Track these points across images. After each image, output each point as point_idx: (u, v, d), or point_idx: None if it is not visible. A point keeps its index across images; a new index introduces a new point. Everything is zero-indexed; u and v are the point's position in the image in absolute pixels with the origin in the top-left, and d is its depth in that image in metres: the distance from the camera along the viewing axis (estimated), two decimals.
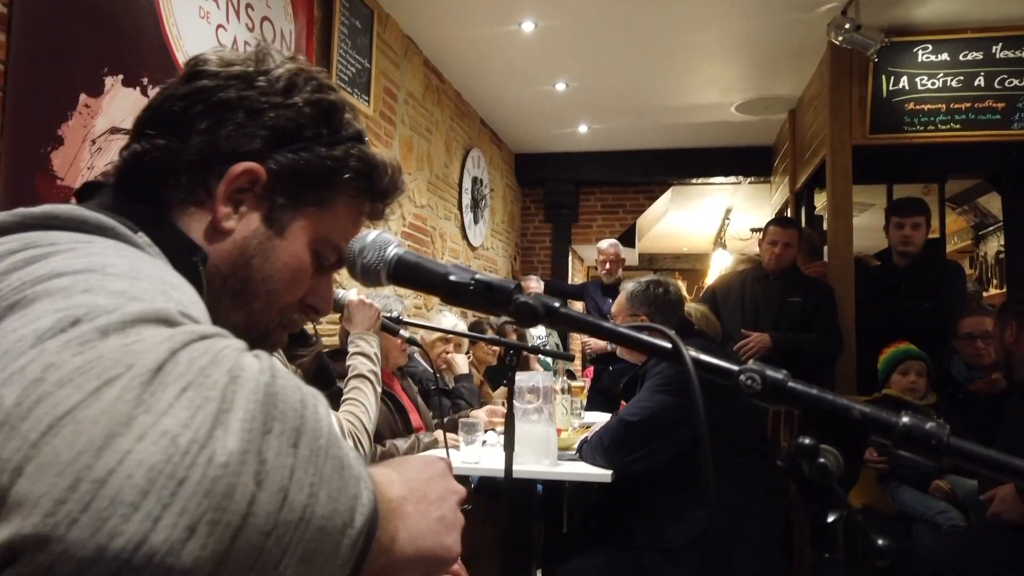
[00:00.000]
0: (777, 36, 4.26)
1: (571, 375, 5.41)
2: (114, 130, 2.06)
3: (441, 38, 4.46)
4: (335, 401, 2.01)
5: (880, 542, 0.52)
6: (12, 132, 1.80)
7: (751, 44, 4.43)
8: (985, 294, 6.84)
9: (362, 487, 0.48)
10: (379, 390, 1.98)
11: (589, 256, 8.09)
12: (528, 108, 5.66)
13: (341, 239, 0.78)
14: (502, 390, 4.04)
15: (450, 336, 3.46)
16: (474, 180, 5.68)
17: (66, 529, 0.36)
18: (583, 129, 6.12)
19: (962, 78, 3.95)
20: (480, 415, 3.03)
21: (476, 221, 5.75)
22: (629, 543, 2.15)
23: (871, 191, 5.34)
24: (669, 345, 0.64)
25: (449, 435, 2.84)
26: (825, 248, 4.36)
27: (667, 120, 5.84)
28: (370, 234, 0.79)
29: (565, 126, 6.07)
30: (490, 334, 4.14)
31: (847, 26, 3.75)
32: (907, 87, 4.00)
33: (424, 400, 3.14)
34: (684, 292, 2.60)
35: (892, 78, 4.00)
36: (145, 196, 0.71)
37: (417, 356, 3.47)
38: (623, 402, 2.50)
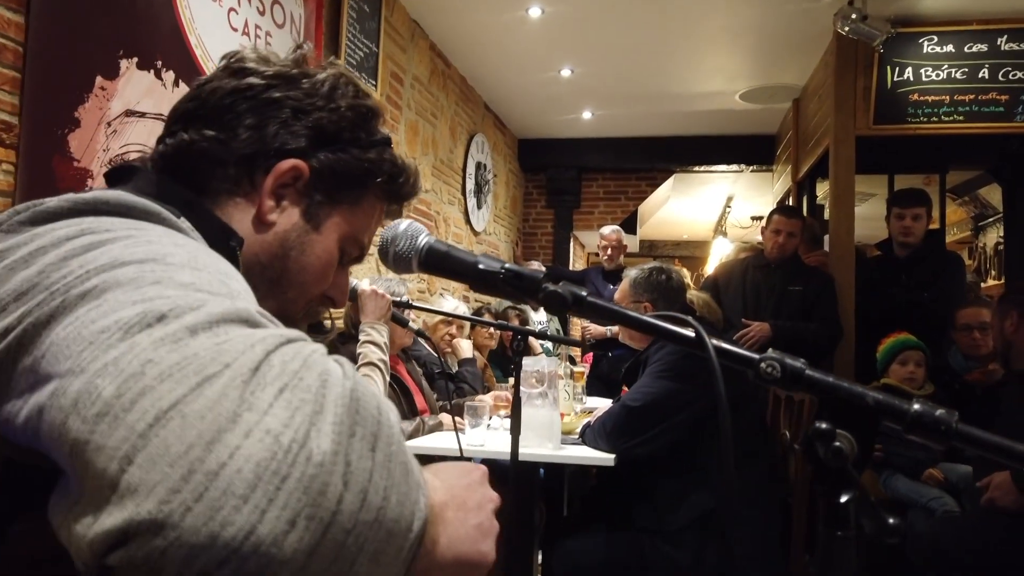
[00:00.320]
0: (783, 25, 4.26)
1: (571, 361, 5.45)
2: (129, 113, 2.08)
3: (448, 23, 4.46)
4: None
5: (891, 520, 0.56)
6: (31, 113, 1.82)
7: (757, 33, 4.44)
8: (983, 285, 6.89)
9: (420, 493, 0.50)
10: (387, 378, 2.03)
11: (590, 242, 8.11)
12: (533, 94, 5.66)
13: (364, 236, 0.83)
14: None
15: (452, 319, 3.50)
16: (478, 165, 5.69)
17: (181, 516, 0.39)
18: (587, 115, 6.13)
19: (966, 70, 3.96)
20: (487, 400, 3.08)
21: (479, 206, 5.77)
22: (629, 525, 2.19)
23: (872, 181, 5.36)
24: (691, 333, 0.67)
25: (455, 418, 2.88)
26: (826, 237, 4.40)
27: (671, 107, 5.85)
28: (402, 223, 0.83)
29: (569, 112, 6.07)
30: (488, 319, 4.18)
31: (853, 16, 3.76)
32: (911, 78, 4.01)
33: (428, 383, 3.17)
34: (687, 279, 2.63)
35: (897, 69, 4.02)
36: (188, 183, 0.73)
37: (421, 340, 3.51)
38: (624, 388, 2.54)
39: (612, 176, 7.14)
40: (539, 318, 5.38)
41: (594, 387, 4.32)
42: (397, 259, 0.81)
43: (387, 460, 0.47)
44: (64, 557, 0.45)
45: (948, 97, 3.98)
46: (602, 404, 3.18)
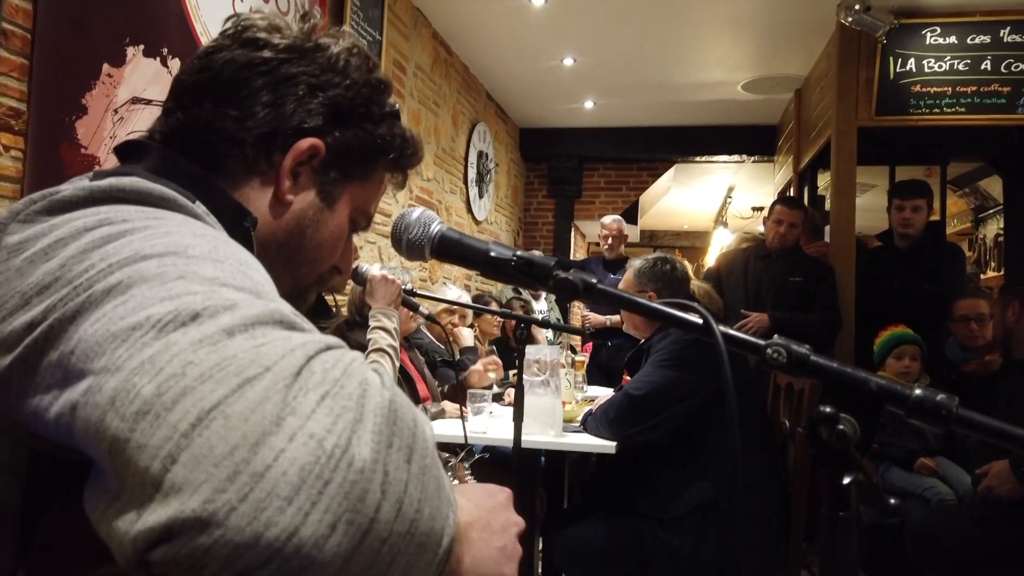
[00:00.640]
0: (786, 15, 4.26)
1: (572, 350, 5.47)
2: (135, 100, 2.09)
3: (450, 10, 4.45)
4: None
5: (892, 501, 0.58)
6: (39, 100, 1.83)
7: (760, 23, 4.43)
8: (983, 277, 6.91)
9: (451, 509, 0.50)
10: (397, 364, 2.03)
11: (591, 232, 8.12)
12: (535, 83, 5.66)
13: (372, 207, 0.83)
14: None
15: (454, 308, 3.51)
16: (480, 154, 5.69)
17: (226, 515, 0.40)
18: (589, 105, 6.12)
19: (969, 61, 3.96)
20: (477, 367, 3.10)
21: (481, 195, 5.77)
22: (629, 513, 2.21)
23: (873, 172, 5.36)
24: (698, 320, 0.69)
25: (456, 406, 2.91)
26: (827, 228, 4.41)
27: (673, 97, 5.84)
28: (414, 212, 0.84)
29: (571, 102, 6.07)
30: (493, 307, 4.19)
31: (857, 7, 3.77)
32: (914, 69, 4.01)
33: (430, 371, 3.20)
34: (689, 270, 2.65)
35: (899, 60, 4.02)
36: (202, 161, 0.71)
37: (424, 328, 3.53)
38: (626, 376, 2.56)
39: (613, 166, 7.14)
40: (539, 307, 5.40)
41: (594, 376, 4.35)
42: (410, 246, 0.83)
43: (422, 473, 0.47)
44: (92, 546, 0.46)
45: (950, 89, 3.98)
46: (603, 393, 3.21)
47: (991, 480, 2.37)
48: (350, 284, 2.59)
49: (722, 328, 0.66)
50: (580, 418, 2.44)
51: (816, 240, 4.35)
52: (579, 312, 5.15)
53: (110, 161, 2.01)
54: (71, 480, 0.48)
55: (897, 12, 3.93)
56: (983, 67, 3.95)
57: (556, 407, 2.31)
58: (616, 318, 4.63)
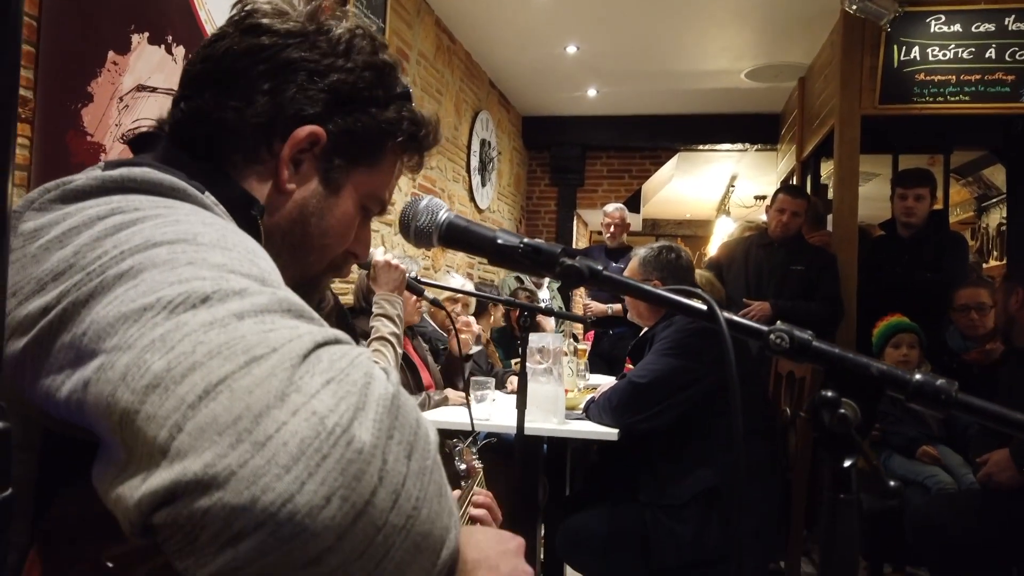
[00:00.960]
0: (789, 3, 4.25)
1: (575, 338, 5.49)
2: (140, 87, 2.09)
3: None
4: None
5: (892, 483, 0.59)
6: (45, 88, 1.84)
7: (763, 11, 4.42)
8: (985, 266, 6.91)
9: (452, 523, 0.50)
10: (399, 352, 2.01)
11: (594, 221, 8.12)
12: (538, 70, 5.64)
13: (385, 191, 0.82)
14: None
15: (458, 296, 3.52)
16: (482, 142, 5.69)
17: (226, 479, 0.42)
18: (592, 93, 6.11)
19: (973, 50, 3.95)
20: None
21: (483, 184, 5.77)
22: (632, 500, 2.23)
23: (876, 161, 5.36)
24: (703, 307, 0.70)
25: (459, 393, 2.93)
26: (829, 217, 4.41)
27: (676, 85, 5.83)
28: (422, 200, 0.84)
29: (574, 90, 6.05)
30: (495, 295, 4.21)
31: None
32: (918, 57, 4.00)
33: (434, 359, 3.21)
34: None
35: (904, 48, 4.00)
36: (204, 151, 0.72)
37: (427, 316, 3.54)
38: (627, 363, 2.57)
39: (616, 154, 7.13)
40: (542, 296, 5.42)
41: (595, 365, 4.37)
42: (418, 234, 0.83)
43: (421, 472, 0.48)
44: (103, 525, 0.48)
45: (954, 77, 3.97)
46: (605, 381, 3.22)
47: (991, 468, 2.38)
48: (355, 271, 2.60)
49: (726, 315, 0.67)
50: (583, 406, 2.46)
51: (819, 229, 4.35)
52: (581, 301, 5.17)
53: (116, 148, 2.02)
54: (81, 460, 0.49)
55: (901, 0, 3.91)
56: (987, 55, 3.93)
57: (559, 395, 2.32)
58: (618, 307, 4.65)
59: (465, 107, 5.32)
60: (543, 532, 2.55)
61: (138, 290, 0.48)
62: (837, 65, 4.18)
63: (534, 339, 2.33)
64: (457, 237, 0.82)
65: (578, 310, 6.77)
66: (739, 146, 6.85)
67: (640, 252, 2.48)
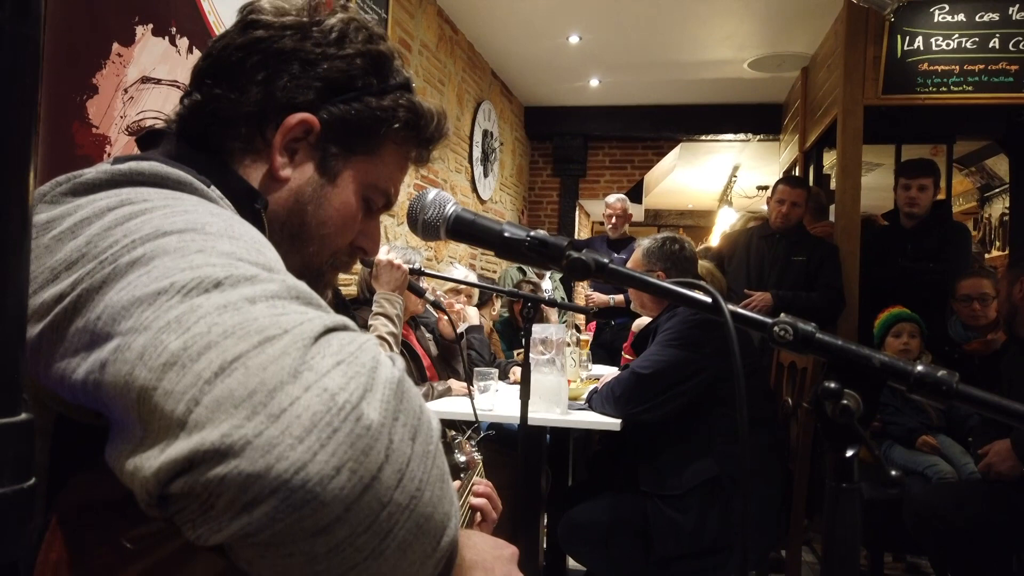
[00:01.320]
0: None
1: (577, 329, 5.50)
2: (145, 79, 2.10)
3: None
4: None
5: (893, 473, 0.60)
6: (50, 80, 1.84)
7: (767, 0, 4.40)
8: (987, 256, 6.90)
9: (453, 511, 0.51)
10: (397, 351, 2.03)
11: (596, 211, 8.11)
12: (540, 61, 5.63)
13: (389, 184, 0.82)
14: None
15: (461, 288, 3.53)
16: (484, 133, 5.68)
17: (242, 447, 0.43)
18: (594, 83, 6.09)
19: (977, 39, 3.94)
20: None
21: (485, 174, 5.77)
22: (633, 489, 2.25)
23: (879, 151, 5.35)
24: (707, 298, 0.71)
25: (462, 384, 2.94)
26: (832, 207, 4.41)
27: (679, 76, 5.82)
28: (429, 193, 0.85)
29: (576, 80, 6.04)
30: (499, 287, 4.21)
31: None
32: (922, 47, 3.99)
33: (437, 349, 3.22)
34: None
35: (907, 38, 3.99)
36: (206, 145, 0.74)
37: (430, 307, 3.55)
38: (625, 354, 2.58)
39: (618, 145, 7.12)
40: (544, 286, 5.42)
41: (597, 355, 4.38)
42: (426, 227, 0.84)
43: (425, 456, 0.49)
44: (121, 507, 0.49)
45: (958, 67, 3.96)
46: (607, 372, 3.24)
47: (992, 457, 2.40)
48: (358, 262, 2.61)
49: (731, 307, 0.68)
50: (585, 396, 2.47)
51: (821, 220, 4.35)
52: (583, 291, 5.18)
53: (121, 140, 2.03)
54: (93, 446, 0.51)
55: None
56: (991, 45, 3.92)
57: (562, 385, 2.33)
58: (620, 297, 4.66)
59: (467, 97, 5.31)
60: (546, 522, 2.57)
61: (151, 276, 0.50)
62: (840, 55, 4.17)
63: (537, 330, 2.34)
64: (464, 230, 0.83)
65: (580, 301, 6.78)
66: (742, 136, 6.84)
67: (644, 243, 2.48)
